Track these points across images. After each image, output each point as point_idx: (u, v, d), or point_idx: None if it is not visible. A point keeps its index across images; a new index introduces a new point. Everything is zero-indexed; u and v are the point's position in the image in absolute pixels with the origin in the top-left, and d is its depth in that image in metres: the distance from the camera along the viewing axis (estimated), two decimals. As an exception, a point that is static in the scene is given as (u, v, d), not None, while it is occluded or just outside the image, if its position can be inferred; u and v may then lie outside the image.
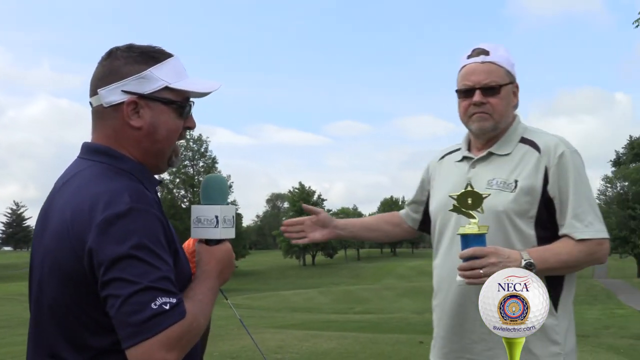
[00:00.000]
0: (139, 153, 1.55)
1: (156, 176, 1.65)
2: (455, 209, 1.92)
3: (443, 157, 2.38)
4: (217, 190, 1.61)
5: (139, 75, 1.52)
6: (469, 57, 2.16)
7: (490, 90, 2.10)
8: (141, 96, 1.51)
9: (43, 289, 1.47)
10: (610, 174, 58.05)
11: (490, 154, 2.16)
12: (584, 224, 2.01)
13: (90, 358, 1.41)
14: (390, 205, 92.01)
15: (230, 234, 1.59)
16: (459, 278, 1.93)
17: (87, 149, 1.57)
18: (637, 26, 14.18)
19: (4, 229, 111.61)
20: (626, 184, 54.77)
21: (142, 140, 1.54)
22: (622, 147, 61.26)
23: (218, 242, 1.58)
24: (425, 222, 2.44)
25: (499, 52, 2.15)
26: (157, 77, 1.53)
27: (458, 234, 1.93)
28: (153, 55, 1.54)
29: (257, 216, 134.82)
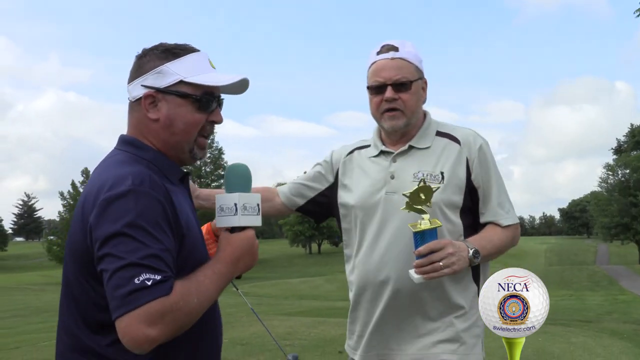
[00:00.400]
0: (160, 144, 1.61)
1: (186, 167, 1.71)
2: (407, 207, 1.91)
3: (352, 152, 2.32)
4: (236, 178, 1.62)
5: (156, 70, 1.58)
6: (378, 53, 2.14)
7: (401, 86, 2.09)
8: (158, 90, 1.58)
9: (65, 268, 1.57)
10: (611, 162, 57.84)
11: (411, 148, 2.15)
12: (505, 211, 2.13)
13: (96, 331, 1.47)
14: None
15: (253, 221, 1.60)
16: (416, 276, 1.91)
17: (119, 139, 1.65)
18: (638, 15, 14.08)
19: (15, 220, 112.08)
20: (627, 171, 54.57)
21: (160, 132, 1.59)
22: (624, 135, 60.92)
23: (242, 229, 1.59)
24: (306, 208, 2.39)
25: (407, 48, 2.14)
26: (173, 72, 1.57)
27: (414, 232, 1.91)
28: (174, 52, 1.60)
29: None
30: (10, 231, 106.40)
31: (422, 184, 1.92)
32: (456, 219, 2.07)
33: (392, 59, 2.10)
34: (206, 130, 1.63)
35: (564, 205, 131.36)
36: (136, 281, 1.34)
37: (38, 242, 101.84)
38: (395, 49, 2.11)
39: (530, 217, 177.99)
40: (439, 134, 2.17)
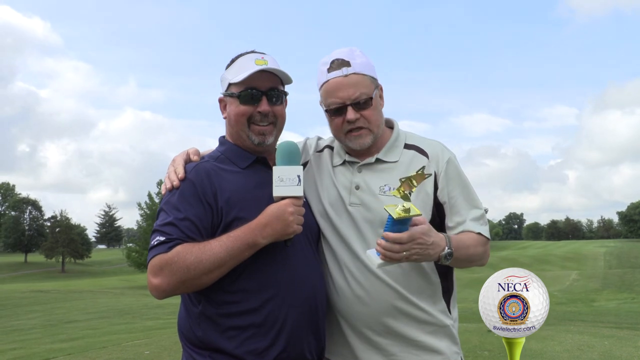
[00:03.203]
0: (230, 137, 1.97)
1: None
2: (398, 191, 1.71)
3: (322, 150, 2.15)
4: (278, 154, 1.79)
5: (221, 79, 1.96)
6: (329, 70, 1.95)
7: (362, 104, 1.93)
8: (224, 94, 1.94)
9: None
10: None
11: (378, 160, 2.00)
12: (480, 223, 1.97)
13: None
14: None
15: (290, 191, 1.75)
16: (378, 261, 1.75)
17: None
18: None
19: (98, 229, 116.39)
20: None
21: (228, 127, 1.96)
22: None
23: (282, 199, 1.76)
24: None
25: (358, 59, 1.95)
26: (226, 78, 1.93)
27: (392, 216, 1.72)
28: (232, 59, 1.94)
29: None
30: (93, 239, 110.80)
31: (421, 171, 1.72)
32: None
33: (346, 75, 1.93)
34: (255, 120, 1.89)
35: (622, 208, 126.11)
36: (152, 242, 1.71)
37: (118, 249, 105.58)
38: (347, 63, 1.93)
39: (588, 220, 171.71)
40: (407, 146, 2.03)
